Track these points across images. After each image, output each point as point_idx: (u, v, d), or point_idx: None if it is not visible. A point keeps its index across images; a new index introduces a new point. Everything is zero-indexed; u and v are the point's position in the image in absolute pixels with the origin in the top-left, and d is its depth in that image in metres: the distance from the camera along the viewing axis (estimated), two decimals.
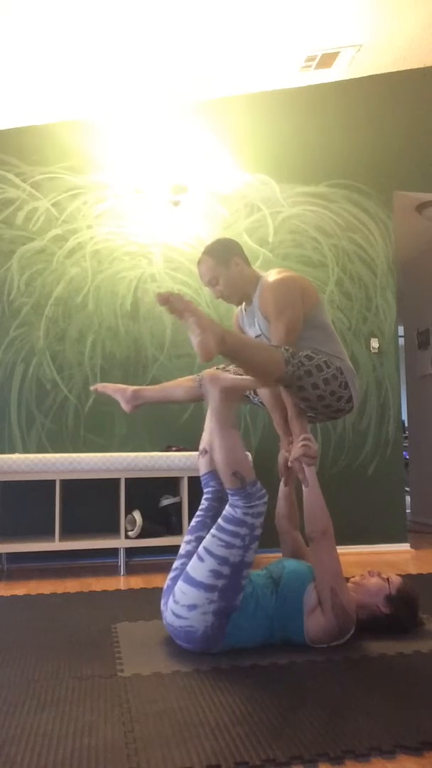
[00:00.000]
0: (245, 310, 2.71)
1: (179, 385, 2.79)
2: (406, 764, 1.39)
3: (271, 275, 2.55)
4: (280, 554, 2.60)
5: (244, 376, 2.36)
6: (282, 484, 2.61)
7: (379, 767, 1.39)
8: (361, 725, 1.56)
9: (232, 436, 2.18)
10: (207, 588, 2.07)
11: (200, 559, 2.11)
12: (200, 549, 2.14)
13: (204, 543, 2.14)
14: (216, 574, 2.07)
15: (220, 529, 2.11)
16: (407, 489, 6.07)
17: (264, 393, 2.65)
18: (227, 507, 2.14)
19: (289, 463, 2.38)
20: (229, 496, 2.15)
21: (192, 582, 2.10)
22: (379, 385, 4.57)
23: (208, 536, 2.14)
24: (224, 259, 2.56)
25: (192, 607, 2.08)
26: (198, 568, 2.10)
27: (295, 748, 1.45)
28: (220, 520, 2.14)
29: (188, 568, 2.14)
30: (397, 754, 1.43)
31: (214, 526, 2.15)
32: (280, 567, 2.27)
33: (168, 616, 2.17)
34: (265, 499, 2.16)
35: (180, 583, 2.14)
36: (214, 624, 2.07)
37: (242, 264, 2.59)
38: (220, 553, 2.08)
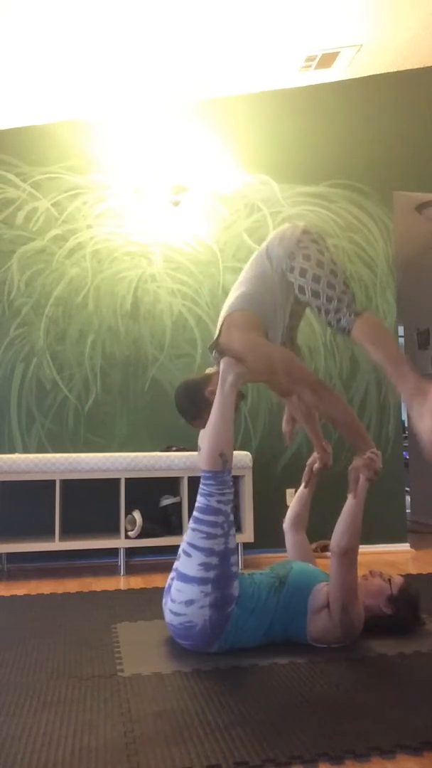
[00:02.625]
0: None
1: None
2: (406, 764, 1.39)
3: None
4: (285, 555, 2.61)
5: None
6: (303, 486, 2.64)
7: (379, 767, 1.39)
8: (361, 725, 1.56)
9: (229, 421, 2.22)
10: (200, 581, 2.10)
11: (187, 555, 2.15)
12: (185, 546, 2.18)
13: (186, 539, 2.18)
14: (206, 566, 2.11)
15: (199, 521, 2.16)
16: (407, 489, 6.06)
17: (299, 405, 2.60)
18: (199, 498, 2.18)
19: (349, 472, 2.37)
20: (203, 481, 2.18)
21: (185, 579, 2.13)
22: (379, 385, 4.57)
23: (189, 531, 2.18)
24: (200, 407, 2.37)
25: (189, 602, 2.11)
26: (187, 564, 2.14)
27: (295, 748, 1.45)
28: (196, 513, 2.18)
29: (179, 566, 2.18)
30: (397, 754, 1.43)
31: (192, 520, 2.19)
32: (287, 567, 2.29)
33: (167, 615, 2.19)
34: (233, 488, 2.23)
35: (175, 582, 2.17)
36: (213, 617, 2.09)
37: (213, 386, 2.35)
38: (205, 545, 2.13)
